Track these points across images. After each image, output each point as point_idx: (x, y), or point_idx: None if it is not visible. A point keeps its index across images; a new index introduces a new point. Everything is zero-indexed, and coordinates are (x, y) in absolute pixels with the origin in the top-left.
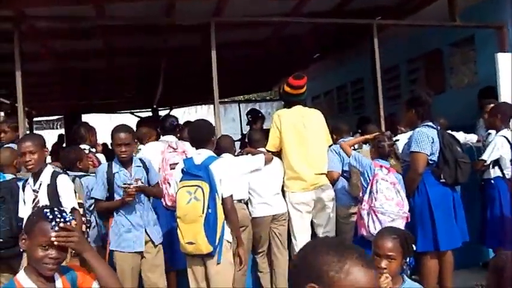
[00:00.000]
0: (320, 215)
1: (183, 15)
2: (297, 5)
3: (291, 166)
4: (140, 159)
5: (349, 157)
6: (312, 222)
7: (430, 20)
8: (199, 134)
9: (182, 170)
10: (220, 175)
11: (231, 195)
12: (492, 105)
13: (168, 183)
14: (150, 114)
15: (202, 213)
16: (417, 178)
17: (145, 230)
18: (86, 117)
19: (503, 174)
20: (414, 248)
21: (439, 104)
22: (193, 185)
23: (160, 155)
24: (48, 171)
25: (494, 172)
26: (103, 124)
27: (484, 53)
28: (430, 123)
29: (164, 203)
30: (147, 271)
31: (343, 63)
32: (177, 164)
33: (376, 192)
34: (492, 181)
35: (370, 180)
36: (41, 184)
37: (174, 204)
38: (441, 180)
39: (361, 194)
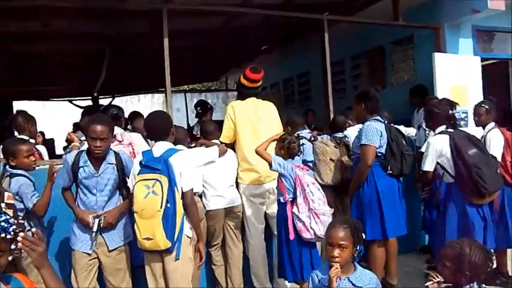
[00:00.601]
0: (273, 206)
1: (131, 1)
2: None
3: (245, 158)
4: (116, 154)
5: (269, 163)
6: (265, 214)
7: (375, 18)
8: (158, 126)
9: (140, 162)
10: (180, 168)
11: (192, 189)
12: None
13: None
14: (89, 102)
15: (161, 208)
16: (367, 170)
17: (101, 233)
18: (17, 105)
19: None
20: (364, 237)
21: (380, 99)
22: (152, 178)
23: None
24: None
25: None
26: (37, 112)
27: (422, 51)
28: (378, 118)
29: None
30: (108, 275)
31: (289, 56)
32: None
33: (312, 194)
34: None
35: (293, 183)
36: None
37: None
38: (388, 172)
39: (287, 197)
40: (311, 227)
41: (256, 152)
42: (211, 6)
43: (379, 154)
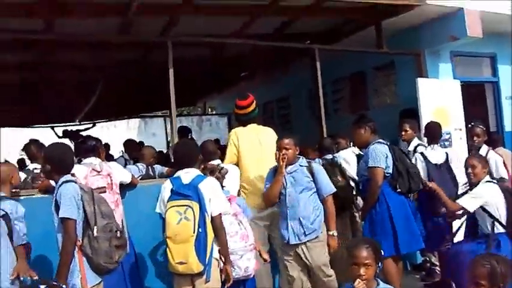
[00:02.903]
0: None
1: (133, 33)
2: (241, 27)
3: (250, 182)
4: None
5: None
6: (269, 237)
7: (358, 45)
8: (187, 154)
9: (171, 190)
10: (210, 194)
11: (220, 214)
12: (407, 124)
13: None
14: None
15: (194, 233)
16: (377, 190)
17: None
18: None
19: None
20: (382, 254)
21: None
22: (183, 204)
23: (83, 179)
24: None
25: None
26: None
27: (404, 76)
28: (381, 140)
29: None
30: None
31: (269, 82)
32: (101, 188)
33: None
34: None
35: None
36: None
37: None
38: (397, 190)
39: None
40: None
41: None
42: (213, 38)
43: (386, 174)
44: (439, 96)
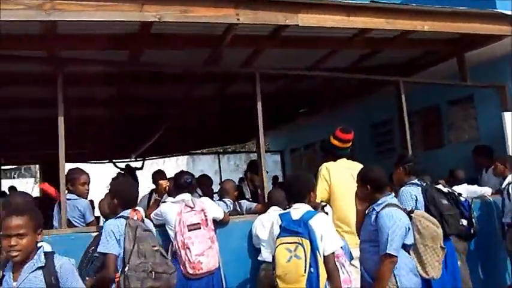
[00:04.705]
0: None
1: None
2: (318, 60)
3: (346, 221)
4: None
5: None
6: None
7: (436, 77)
8: (298, 188)
9: (280, 226)
10: (321, 231)
11: (333, 252)
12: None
13: (188, 248)
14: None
15: (305, 272)
16: None
17: None
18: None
19: None
20: None
21: (437, 158)
22: (293, 241)
23: (177, 216)
24: None
25: None
26: None
27: (484, 110)
28: (415, 181)
29: (184, 271)
30: None
31: (327, 117)
32: (195, 224)
33: None
34: None
35: None
36: None
37: (195, 272)
38: None
39: None
40: None
41: None
42: (297, 71)
43: None
44: None
